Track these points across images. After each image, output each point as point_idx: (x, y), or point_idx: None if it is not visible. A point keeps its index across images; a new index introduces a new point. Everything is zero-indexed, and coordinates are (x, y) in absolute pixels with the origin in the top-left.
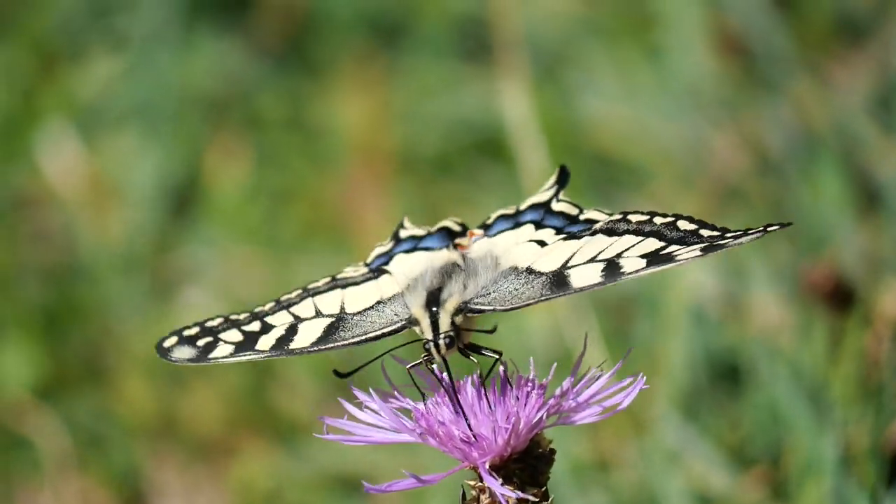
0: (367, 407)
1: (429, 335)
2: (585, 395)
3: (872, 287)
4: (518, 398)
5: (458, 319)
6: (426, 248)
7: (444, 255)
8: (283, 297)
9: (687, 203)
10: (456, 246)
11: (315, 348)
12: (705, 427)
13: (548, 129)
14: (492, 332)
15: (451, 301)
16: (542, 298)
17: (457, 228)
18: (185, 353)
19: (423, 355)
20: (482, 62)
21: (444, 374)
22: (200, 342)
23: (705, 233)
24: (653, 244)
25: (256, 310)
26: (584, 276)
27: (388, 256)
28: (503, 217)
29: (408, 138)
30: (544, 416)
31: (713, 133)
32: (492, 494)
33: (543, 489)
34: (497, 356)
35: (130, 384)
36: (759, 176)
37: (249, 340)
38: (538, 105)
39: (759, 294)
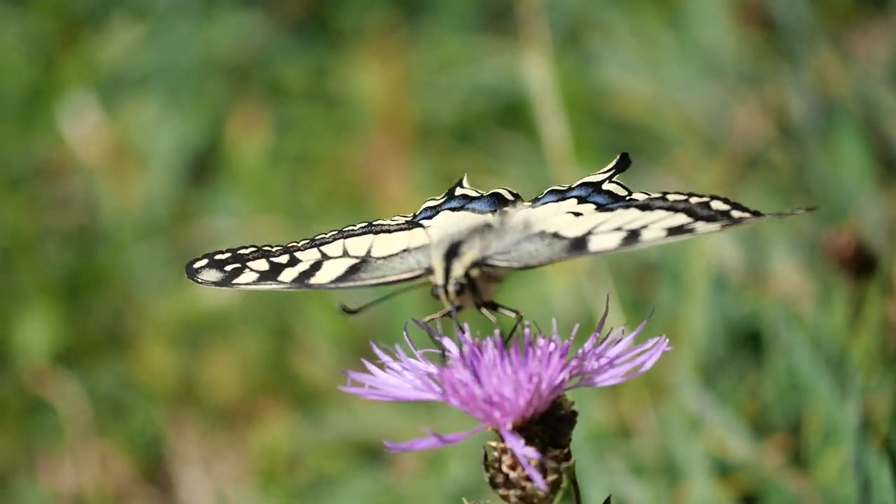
0: (389, 367)
1: (440, 281)
2: (608, 357)
3: (893, 254)
4: (540, 359)
5: (474, 273)
6: (472, 210)
7: (484, 218)
8: (318, 237)
9: (708, 172)
10: (502, 213)
11: (333, 285)
12: (725, 394)
13: (568, 98)
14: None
15: (469, 254)
16: (557, 259)
17: (509, 197)
18: (211, 275)
19: (440, 312)
20: (502, 32)
21: (466, 335)
22: (228, 267)
23: (736, 214)
24: (681, 219)
25: (290, 244)
26: (603, 241)
27: (434, 211)
28: (553, 191)
29: (428, 107)
30: (567, 378)
31: (734, 102)
32: (513, 455)
33: (566, 451)
34: (516, 315)
35: (151, 351)
36: (780, 145)
37: (273, 271)
38: (559, 73)
39: (780, 262)
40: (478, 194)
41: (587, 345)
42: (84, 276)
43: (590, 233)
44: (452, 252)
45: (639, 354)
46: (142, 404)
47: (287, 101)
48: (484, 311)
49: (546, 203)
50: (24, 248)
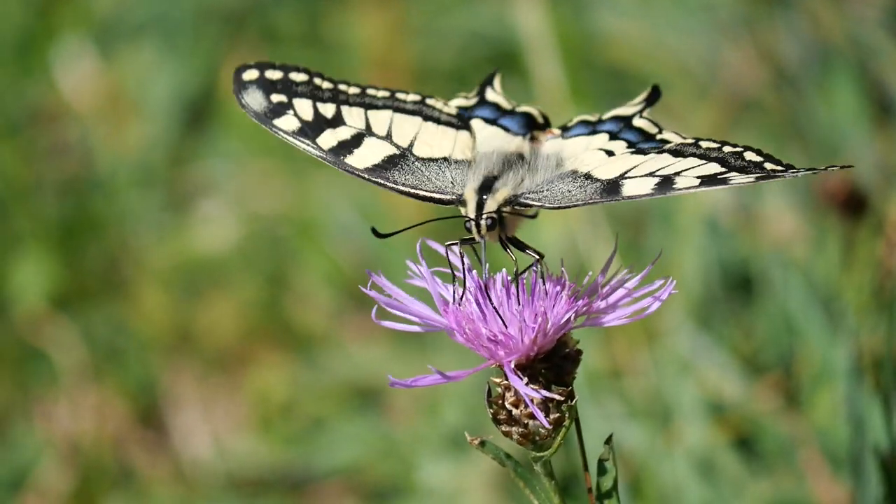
0: (401, 292)
1: (471, 214)
2: (614, 297)
3: (885, 196)
4: (547, 299)
5: (506, 210)
6: (504, 127)
7: (516, 144)
8: (371, 92)
9: (701, 115)
10: (532, 138)
11: (366, 176)
12: (719, 336)
13: (563, 43)
14: (534, 217)
15: (502, 191)
16: (590, 202)
17: (539, 120)
18: (256, 100)
19: (460, 240)
20: None
21: (475, 273)
22: (275, 97)
23: (769, 166)
24: (713, 168)
25: (341, 87)
26: (637, 186)
27: (468, 113)
28: (583, 122)
29: (424, 52)
30: (572, 318)
31: (728, 46)
32: (517, 393)
33: (569, 389)
34: (538, 256)
35: (147, 297)
36: (774, 88)
37: (315, 126)
38: (553, 19)
39: (773, 204)
40: (509, 107)
41: (594, 285)
42: (79, 222)
43: (623, 176)
44: (486, 187)
45: (646, 295)
46: (138, 350)
47: (282, 47)
48: (506, 244)
49: (577, 135)
50: (19, 195)
